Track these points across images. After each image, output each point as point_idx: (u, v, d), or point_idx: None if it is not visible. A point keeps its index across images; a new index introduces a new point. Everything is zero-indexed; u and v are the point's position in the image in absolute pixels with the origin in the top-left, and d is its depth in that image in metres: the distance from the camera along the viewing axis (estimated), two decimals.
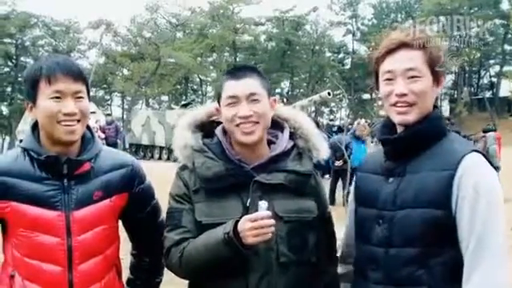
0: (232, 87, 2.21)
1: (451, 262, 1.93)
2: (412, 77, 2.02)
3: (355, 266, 2.26)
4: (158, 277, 2.63)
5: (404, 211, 1.99)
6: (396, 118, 2.08)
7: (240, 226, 2.02)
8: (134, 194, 2.37)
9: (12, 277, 2.19)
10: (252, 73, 2.26)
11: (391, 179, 2.09)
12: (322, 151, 2.37)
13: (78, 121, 2.14)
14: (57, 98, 2.10)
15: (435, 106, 2.12)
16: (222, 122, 2.33)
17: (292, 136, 2.35)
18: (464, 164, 1.92)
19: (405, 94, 2.02)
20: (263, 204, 2.03)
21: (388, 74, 2.07)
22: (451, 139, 2.08)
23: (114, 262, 2.37)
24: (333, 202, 13.54)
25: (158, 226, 2.45)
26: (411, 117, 2.04)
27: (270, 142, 2.33)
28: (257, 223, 1.99)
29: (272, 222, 2.01)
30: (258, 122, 2.19)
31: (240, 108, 2.17)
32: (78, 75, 2.15)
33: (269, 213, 2.01)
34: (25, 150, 2.19)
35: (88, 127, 2.28)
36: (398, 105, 2.04)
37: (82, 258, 2.18)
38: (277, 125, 2.37)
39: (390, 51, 2.07)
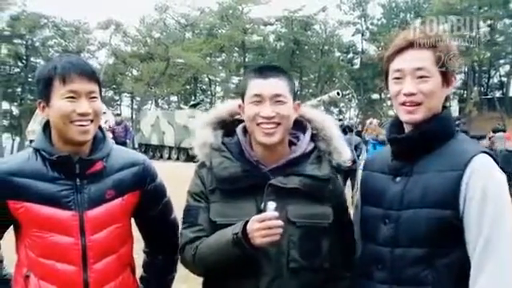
0: (258, 85, 2.18)
1: (457, 263, 1.93)
2: (421, 76, 2.02)
3: (359, 265, 2.24)
4: (171, 274, 2.63)
5: (411, 211, 1.99)
6: (404, 117, 2.08)
7: (248, 227, 2.00)
8: (145, 192, 2.36)
9: (27, 277, 2.19)
10: (280, 73, 2.23)
11: (398, 179, 2.08)
12: (344, 155, 2.33)
13: (91, 121, 2.14)
14: (71, 97, 2.10)
15: (445, 107, 2.12)
16: (244, 121, 2.30)
17: (313, 138, 2.32)
18: (473, 165, 1.92)
19: (413, 94, 2.02)
20: (271, 205, 2.01)
21: (397, 73, 2.07)
22: (459, 140, 2.08)
23: (128, 260, 2.38)
24: None
25: (169, 223, 2.47)
26: (418, 116, 2.04)
27: (290, 143, 2.30)
28: (264, 224, 1.97)
29: (279, 222, 1.98)
30: (279, 124, 2.16)
31: (263, 108, 2.15)
32: (92, 75, 2.16)
33: (276, 213, 1.98)
34: (36, 150, 2.19)
35: (99, 127, 2.27)
36: (407, 104, 2.04)
37: (97, 258, 2.18)
38: (299, 125, 2.34)
39: (400, 50, 2.07)
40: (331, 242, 2.25)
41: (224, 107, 2.42)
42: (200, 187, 2.25)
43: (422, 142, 2.04)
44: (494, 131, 17.93)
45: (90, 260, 2.17)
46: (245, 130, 2.29)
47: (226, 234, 2.07)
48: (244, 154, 2.22)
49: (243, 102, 2.25)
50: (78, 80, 2.10)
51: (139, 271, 2.57)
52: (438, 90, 2.05)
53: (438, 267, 1.94)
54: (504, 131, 19.01)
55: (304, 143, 2.27)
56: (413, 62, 2.03)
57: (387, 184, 2.11)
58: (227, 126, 2.37)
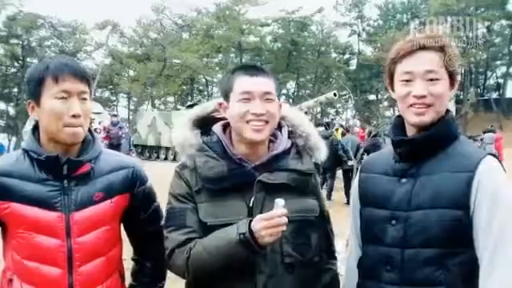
0: (248, 83, 2.15)
1: (469, 263, 1.94)
2: (431, 79, 2.02)
3: (362, 267, 2.23)
4: (161, 281, 2.57)
5: (421, 212, 2.00)
6: (413, 119, 2.07)
7: (255, 226, 1.96)
8: (135, 196, 2.34)
9: (10, 281, 2.17)
10: (266, 73, 2.22)
11: (404, 180, 2.08)
12: (322, 150, 2.34)
13: (81, 124, 2.12)
14: (63, 97, 2.08)
15: (447, 109, 2.12)
16: (220, 119, 2.29)
17: (290, 134, 2.31)
18: (482, 167, 1.95)
19: (424, 96, 2.02)
20: (280, 202, 1.96)
21: (407, 76, 2.06)
22: (463, 142, 2.11)
23: (116, 264, 2.34)
24: (348, 201, 13.56)
25: (159, 229, 2.42)
26: (428, 118, 2.04)
27: (268, 141, 2.28)
28: (274, 221, 1.94)
29: (286, 220, 1.96)
30: (267, 122, 2.15)
31: (253, 105, 2.12)
32: (84, 76, 2.14)
33: (285, 210, 1.95)
34: (25, 151, 2.17)
35: (89, 129, 2.25)
36: (416, 106, 2.04)
37: (83, 260, 2.15)
38: None
39: (408, 52, 2.07)
40: (318, 234, 2.28)
41: (201, 107, 2.41)
42: (185, 188, 2.19)
43: (431, 143, 2.05)
44: (485, 132, 18.11)
45: (76, 262, 2.14)
46: (223, 129, 2.27)
47: (225, 234, 2.02)
48: (227, 152, 2.19)
49: (227, 100, 2.21)
50: (70, 79, 2.08)
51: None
52: (447, 92, 2.07)
53: (449, 267, 1.95)
54: (494, 132, 19.19)
55: (284, 140, 2.27)
56: (423, 65, 2.03)
57: (392, 185, 2.11)
58: (204, 124, 2.34)
